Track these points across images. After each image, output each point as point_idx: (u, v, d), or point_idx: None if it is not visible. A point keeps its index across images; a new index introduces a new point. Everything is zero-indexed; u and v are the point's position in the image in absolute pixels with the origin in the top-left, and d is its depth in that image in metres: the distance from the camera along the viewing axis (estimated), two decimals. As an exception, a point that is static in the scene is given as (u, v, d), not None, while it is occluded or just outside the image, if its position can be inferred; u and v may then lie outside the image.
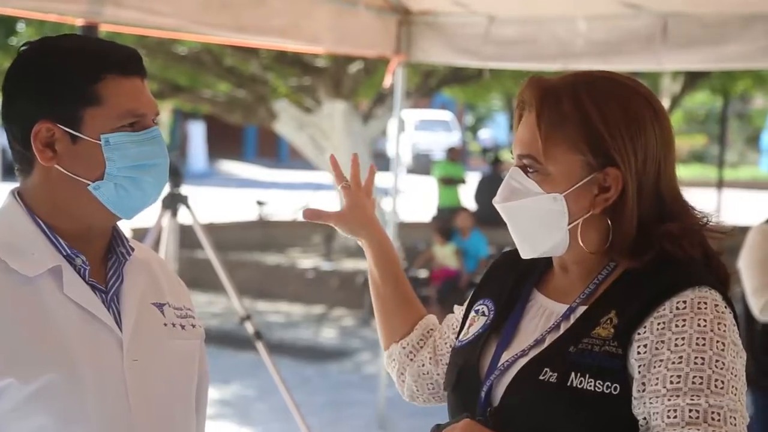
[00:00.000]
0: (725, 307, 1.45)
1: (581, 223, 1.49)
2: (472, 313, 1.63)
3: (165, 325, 1.56)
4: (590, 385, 1.42)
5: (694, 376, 1.39)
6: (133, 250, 1.57)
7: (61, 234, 1.49)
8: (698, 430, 1.37)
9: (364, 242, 1.82)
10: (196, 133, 27.69)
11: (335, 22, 4.91)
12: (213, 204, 17.41)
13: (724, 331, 1.42)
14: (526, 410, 1.45)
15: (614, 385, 1.41)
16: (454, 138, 26.30)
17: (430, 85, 12.60)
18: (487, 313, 1.60)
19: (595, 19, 4.81)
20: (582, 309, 1.50)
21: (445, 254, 9.72)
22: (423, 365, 1.71)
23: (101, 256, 1.54)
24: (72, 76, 1.46)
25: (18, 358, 1.41)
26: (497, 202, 1.54)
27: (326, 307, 10.31)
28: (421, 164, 24.78)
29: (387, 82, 5.68)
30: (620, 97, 1.49)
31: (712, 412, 1.38)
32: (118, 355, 1.48)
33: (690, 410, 1.38)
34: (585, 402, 1.41)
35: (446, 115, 29.56)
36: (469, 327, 1.62)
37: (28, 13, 4.18)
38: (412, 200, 17.23)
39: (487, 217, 10.11)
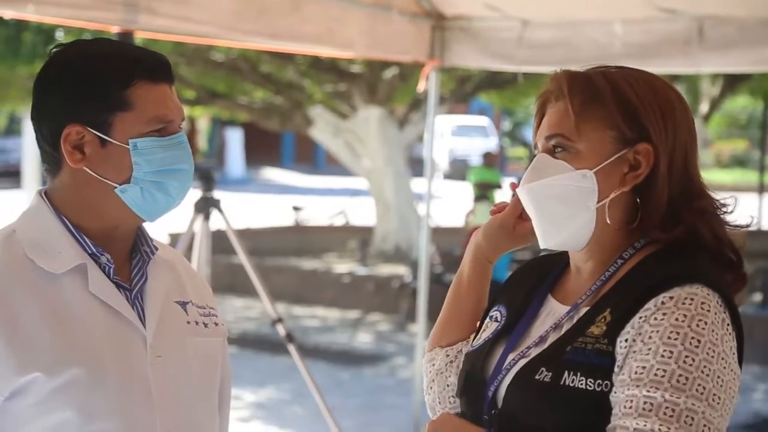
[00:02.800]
0: (717, 306, 1.40)
1: (609, 202, 1.48)
2: (487, 320, 1.64)
3: (188, 322, 1.58)
4: (581, 383, 1.40)
5: (658, 369, 1.36)
6: (156, 249, 1.59)
7: (86, 233, 1.52)
8: (646, 422, 1.33)
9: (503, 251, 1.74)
10: (234, 139, 27.89)
11: (368, 28, 4.93)
12: (250, 210, 17.52)
13: (703, 329, 1.37)
14: (523, 410, 1.44)
15: (605, 382, 1.40)
16: (491, 143, 26.24)
17: (465, 90, 12.59)
18: (499, 319, 1.60)
19: (631, 22, 4.78)
20: (584, 310, 1.50)
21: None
22: (450, 376, 1.70)
23: (126, 255, 1.57)
24: (103, 80, 1.49)
25: (44, 352, 1.44)
26: (520, 187, 1.53)
27: (362, 312, 10.33)
28: (458, 170, 24.76)
29: (421, 87, 5.68)
30: (648, 80, 1.51)
31: (666, 407, 1.34)
32: (142, 352, 1.51)
33: (645, 401, 1.35)
34: (577, 400, 1.40)
35: (483, 121, 29.50)
36: (481, 333, 1.63)
37: (66, 21, 4.25)
38: (449, 205, 17.21)
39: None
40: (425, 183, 5.68)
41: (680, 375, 1.35)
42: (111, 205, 1.51)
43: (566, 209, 1.49)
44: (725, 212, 1.51)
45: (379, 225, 12.54)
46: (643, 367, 1.37)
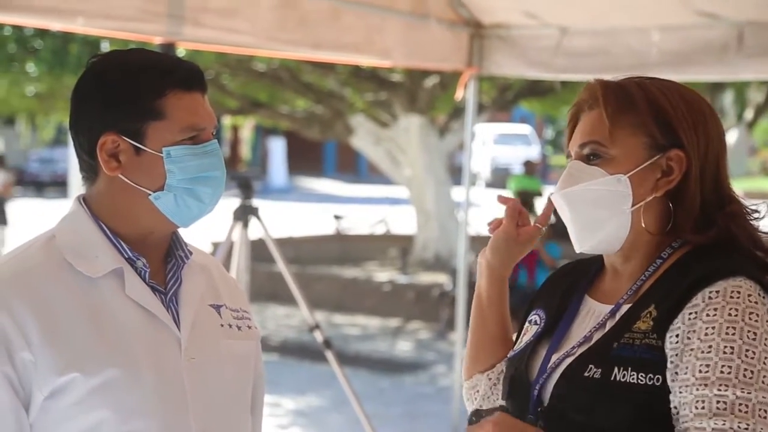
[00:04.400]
0: (762, 297, 1.44)
1: (643, 207, 1.51)
2: (526, 324, 1.67)
3: (222, 325, 1.62)
4: (633, 378, 1.43)
5: (723, 366, 1.39)
6: (191, 254, 1.63)
7: (123, 238, 1.57)
8: (725, 421, 1.36)
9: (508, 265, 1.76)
10: (277, 149, 28.09)
11: (407, 37, 4.96)
12: (292, 219, 17.63)
13: (756, 321, 1.41)
14: (573, 407, 1.47)
15: (657, 376, 1.43)
16: (533, 152, 26.13)
17: (506, 98, 12.58)
18: (538, 322, 1.63)
19: (668, 29, 4.76)
20: (626, 307, 1.52)
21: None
22: (497, 399, 1.70)
23: (161, 260, 1.61)
24: (137, 91, 1.53)
25: (82, 353, 1.48)
26: (555, 193, 1.56)
27: (402, 320, 10.35)
28: (500, 178, 24.70)
29: (459, 95, 5.70)
30: (680, 90, 1.55)
31: (740, 404, 1.37)
32: (177, 353, 1.55)
33: (717, 401, 1.38)
34: (630, 395, 1.43)
35: (525, 129, 29.39)
36: (522, 337, 1.66)
37: (111, 32, 4.33)
38: (491, 214, 17.15)
39: (565, 231, 10.02)
40: (463, 191, 5.70)
41: (745, 369, 1.38)
42: (146, 211, 1.55)
43: (602, 213, 1.53)
44: (756, 218, 1.54)
45: (419, 233, 12.56)
46: (707, 365, 1.40)
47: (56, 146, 27.98)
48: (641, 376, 1.43)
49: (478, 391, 1.72)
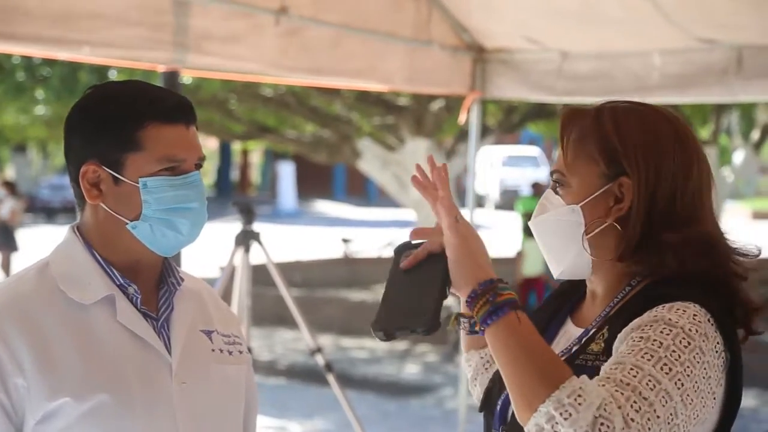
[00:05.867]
0: (708, 321, 1.44)
1: (598, 234, 1.54)
2: None
3: (213, 350, 1.65)
4: None
5: (646, 352, 1.39)
6: (182, 280, 1.67)
7: (114, 265, 1.60)
8: (629, 384, 1.35)
9: None
10: (286, 173, 28.17)
11: (409, 62, 5.01)
12: (301, 242, 17.66)
13: (693, 334, 1.41)
14: None
15: None
16: (542, 173, 26.16)
17: (512, 121, 12.62)
18: None
19: (669, 53, 4.81)
20: (593, 332, 1.56)
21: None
22: (490, 376, 1.76)
23: (153, 286, 1.64)
24: (116, 122, 1.58)
25: (73, 378, 1.52)
26: (531, 221, 1.62)
27: (410, 343, 10.35)
28: (509, 200, 24.74)
29: (462, 119, 5.75)
30: (641, 115, 1.57)
31: (649, 380, 1.36)
32: (167, 378, 1.58)
33: (632, 368, 1.37)
34: None
35: (534, 151, 29.43)
36: None
37: (117, 61, 4.39)
38: (499, 236, 17.18)
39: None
40: (467, 213, 5.72)
41: (664, 364, 1.38)
42: (128, 239, 1.59)
43: (560, 242, 1.58)
44: (711, 237, 1.52)
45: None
46: (632, 349, 1.40)
47: (67, 173, 28.14)
48: None
49: (470, 365, 1.80)
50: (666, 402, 1.36)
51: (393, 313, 1.50)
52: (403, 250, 1.57)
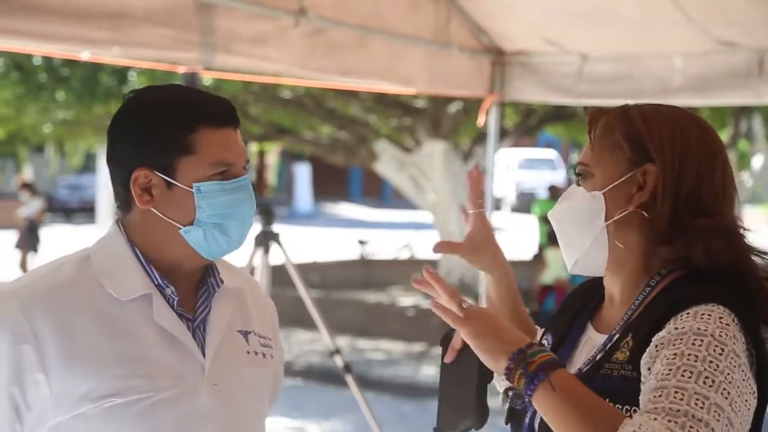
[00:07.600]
0: (734, 322, 1.44)
1: (618, 222, 1.55)
2: None
3: (248, 352, 1.66)
4: None
5: (684, 370, 1.37)
6: (222, 282, 1.67)
7: (154, 265, 1.61)
8: (679, 410, 1.33)
9: (489, 270, 1.87)
10: (302, 174, 28.22)
11: (429, 64, 5.02)
12: (318, 244, 17.69)
13: (725, 338, 1.41)
14: None
15: (633, 408, 1.43)
16: (559, 176, 26.10)
17: (530, 123, 12.61)
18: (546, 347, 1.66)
19: (690, 55, 4.79)
20: (616, 338, 1.55)
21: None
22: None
23: (192, 288, 1.65)
24: (168, 127, 1.57)
25: (103, 375, 1.52)
26: (551, 212, 1.64)
27: (426, 345, 10.35)
28: (525, 203, 24.70)
29: (480, 121, 5.75)
30: (666, 112, 1.60)
31: (697, 399, 1.34)
32: (200, 379, 1.58)
33: (676, 391, 1.35)
34: None
35: (551, 154, 29.37)
36: None
37: (143, 62, 4.40)
38: (516, 238, 17.16)
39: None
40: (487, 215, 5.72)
41: (707, 377, 1.37)
42: (176, 243, 1.59)
43: (578, 230, 1.59)
44: (738, 228, 1.53)
45: (444, 258, 12.56)
46: (670, 369, 1.38)
47: (84, 173, 28.27)
48: (617, 407, 1.43)
49: (504, 382, 1.75)
50: (719, 416, 1.35)
51: (446, 413, 1.57)
52: (446, 341, 1.61)
